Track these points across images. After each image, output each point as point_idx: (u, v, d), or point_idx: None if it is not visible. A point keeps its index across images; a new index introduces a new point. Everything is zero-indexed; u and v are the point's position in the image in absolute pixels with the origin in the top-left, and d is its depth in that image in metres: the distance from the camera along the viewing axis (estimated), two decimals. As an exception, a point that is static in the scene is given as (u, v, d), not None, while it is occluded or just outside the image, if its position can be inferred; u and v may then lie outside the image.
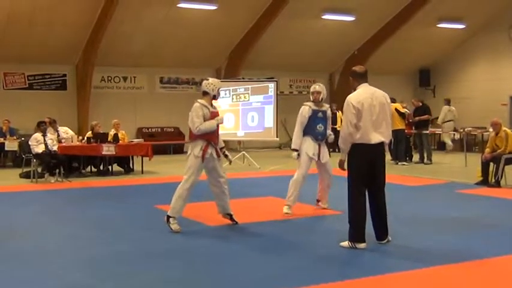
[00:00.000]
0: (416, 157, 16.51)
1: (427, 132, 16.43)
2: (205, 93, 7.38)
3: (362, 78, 6.41)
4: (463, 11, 21.41)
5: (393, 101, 16.30)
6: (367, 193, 6.33)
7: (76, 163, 14.00)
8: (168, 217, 7.23)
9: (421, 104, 16.72)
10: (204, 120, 7.17)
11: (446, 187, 11.19)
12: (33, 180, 12.59)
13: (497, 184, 11.00)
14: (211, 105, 7.38)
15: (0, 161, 16.48)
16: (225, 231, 7.29)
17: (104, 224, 7.83)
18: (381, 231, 6.38)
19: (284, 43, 20.84)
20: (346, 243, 6.21)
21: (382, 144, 6.24)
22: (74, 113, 19.43)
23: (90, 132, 14.62)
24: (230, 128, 16.41)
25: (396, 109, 15.88)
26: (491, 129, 12.06)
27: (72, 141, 14.01)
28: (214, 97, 7.41)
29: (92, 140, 13.93)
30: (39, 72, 19.28)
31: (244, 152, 16.21)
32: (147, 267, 5.64)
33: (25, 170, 13.48)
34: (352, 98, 6.24)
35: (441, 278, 5.20)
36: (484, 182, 11.25)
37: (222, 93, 16.22)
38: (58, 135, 13.71)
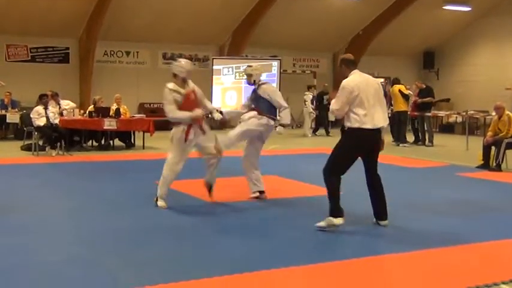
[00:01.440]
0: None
1: (430, 114, 16.38)
2: (175, 76, 7.33)
3: (353, 65, 6.41)
4: (469, -7, 21.27)
5: (397, 82, 16.24)
6: (365, 177, 6.37)
7: (77, 137, 14.02)
8: (156, 198, 7.33)
9: (424, 86, 16.65)
10: (177, 104, 7.16)
11: (447, 170, 11.19)
12: (34, 153, 12.61)
13: (498, 168, 11.00)
14: (184, 86, 7.28)
15: (2, 133, 16.48)
16: (225, 209, 7.31)
17: (104, 198, 7.85)
18: (382, 212, 6.39)
19: (288, 21, 20.73)
20: (322, 223, 6.15)
21: (379, 129, 6.21)
22: (76, 86, 19.38)
23: (92, 106, 14.61)
24: (232, 105, 16.40)
25: (400, 91, 15.84)
26: (494, 113, 12.02)
27: (73, 114, 14.01)
28: (184, 79, 7.29)
29: (93, 114, 13.93)
30: (42, 44, 19.22)
31: (245, 130, 16.17)
32: (148, 243, 5.67)
33: (26, 142, 13.50)
34: (347, 82, 6.21)
35: (438, 260, 5.21)
36: (485, 165, 11.23)
37: (225, 71, 16.46)
38: (60, 109, 13.69)
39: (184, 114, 7.18)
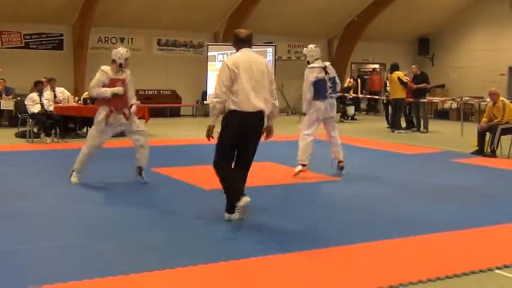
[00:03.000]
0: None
1: (425, 100, 16.39)
2: (113, 61, 7.96)
3: (243, 43, 5.99)
4: (464, -22, 21.21)
5: (396, 68, 16.18)
6: (235, 162, 5.99)
7: (72, 124, 13.98)
8: (72, 171, 7.94)
9: (419, 72, 16.61)
10: (103, 86, 7.76)
11: (442, 156, 11.22)
12: (29, 140, 12.58)
13: (493, 154, 11.03)
14: (118, 72, 7.91)
15: (-4, 120, 16.43)
16: (221, 195, 7.31)
17: (99, 185, 7.84)
18: (232, 206, 5.95)
19: (283, 8, 20.65)
20: (226, 215, 5.98)
21: (259, 113, 5.83)
22: (70, 73, 19.28)
23: (86, 93, 14.54)
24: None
25: (399, 78, 15.79)
26: (488, 99, 12.04)
27: (68, 102, 13.96)
28: (121, 65, 7.91)
29: (88, 101, 13.88)
30: (35, 31, 19.08)
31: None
32: (142, 229, 5.68)
33: (21, 129, 13.46)
34: (228, 60, 5.90)
35: (432, 246, 5.24)
36: (480, 151, 11.28)
37: (220, 57, 16.41)
38: (55, 96, 13.64)
39: (105, 90, 7.73)
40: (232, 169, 5.95)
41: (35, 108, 12.68)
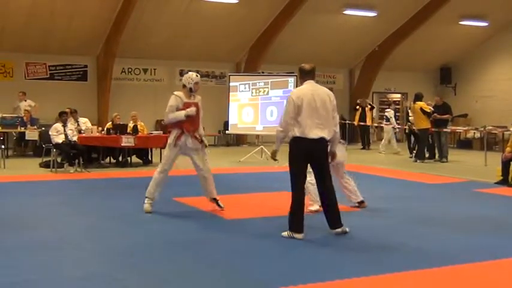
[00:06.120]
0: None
1: (448, 130, 16.27)
2: (183, 86, 8.02)
3: (307, 75, 6.60)
4: (486, 8, 21.20)
5: (419, 98, 16.10)
6: (316, 185, 6.71)
7: (95, 154, 14.11)
8: (146, 197, 7.97)
9: (441, 102, 16.49)
10: (177, 110, 7.86)
11: (465, 186, 11.10)
12: (52, 170, 12.70)
13: (518, 184, 10.90)
14: (190, 96, 7.99)
15: (21, 150, 16.64)
16: (242, 225, 7.30)
17: (122, 215, 7.87)
18: (332, 220, 6.59)
19: (305, 38, 20.80)
20: (285, 233, 6.46)
21: (321, 139, 6.41)
22: (94, 104, 19.56)
23: (110, 123, 14.71)
24: (249, 122, 16.42)
25: (421, 108, 15.70)
26: (512, 128, 11.94)
27: (91, 131, 14.12)
28: (191, 90, 7.97)
29: (111, 131, 14.03)
30: (60, 62, 19.43)
31: (262, 146, 16.20)
32: (164, 259, 5.67)
33: (45, 159, 13.60)
34: (293, 93, 6.53)
35: (455, 277, 5.16)
36: (504, 181, 11.14)
37: (241, 87, 16.50)
38: (78, 125, 13.81)
39: (179, 113, 7.83)
40: (301, 198, 6.51)
41: (59, 139, 12.82)
